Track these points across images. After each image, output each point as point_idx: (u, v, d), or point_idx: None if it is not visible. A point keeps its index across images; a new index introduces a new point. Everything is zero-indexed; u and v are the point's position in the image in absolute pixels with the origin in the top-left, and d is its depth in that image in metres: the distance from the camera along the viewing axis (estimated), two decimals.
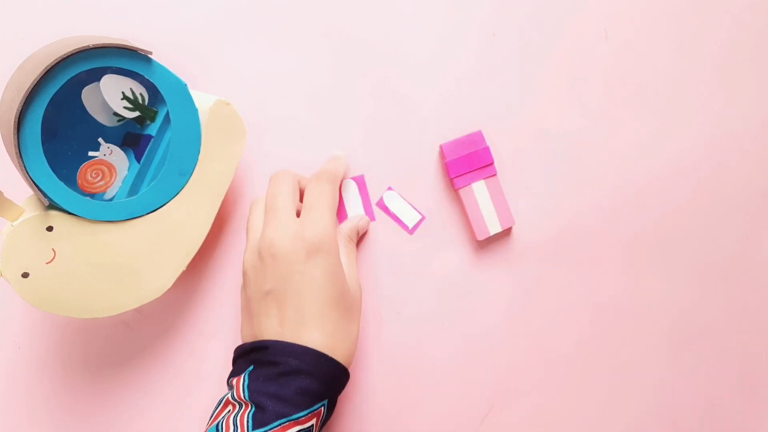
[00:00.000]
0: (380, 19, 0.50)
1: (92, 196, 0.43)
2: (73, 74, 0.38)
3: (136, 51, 0.40)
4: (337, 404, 0.50)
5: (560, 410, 0.52)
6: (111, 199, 0.44)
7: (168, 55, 0.47)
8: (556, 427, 0.52)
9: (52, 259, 0.41)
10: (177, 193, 0.43)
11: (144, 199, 0.42)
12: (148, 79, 0.41)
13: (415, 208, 0.50)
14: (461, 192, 0.49)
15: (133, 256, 0.43)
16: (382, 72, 0.50)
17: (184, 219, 0.43)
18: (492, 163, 0.49)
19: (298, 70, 0.49)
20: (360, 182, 0.49)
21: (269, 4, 0.49)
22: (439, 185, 0.51)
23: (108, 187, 0.44)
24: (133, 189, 0.44)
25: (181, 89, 0.41)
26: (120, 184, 0.44)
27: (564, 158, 0.52)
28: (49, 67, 0.37)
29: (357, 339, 0.42)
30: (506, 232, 0.51)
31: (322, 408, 0.39)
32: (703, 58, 0.53)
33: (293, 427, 0.36)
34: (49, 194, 0.39)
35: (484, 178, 0.49)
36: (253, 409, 0.37)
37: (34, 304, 0.41)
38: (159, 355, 0.49)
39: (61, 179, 0.39)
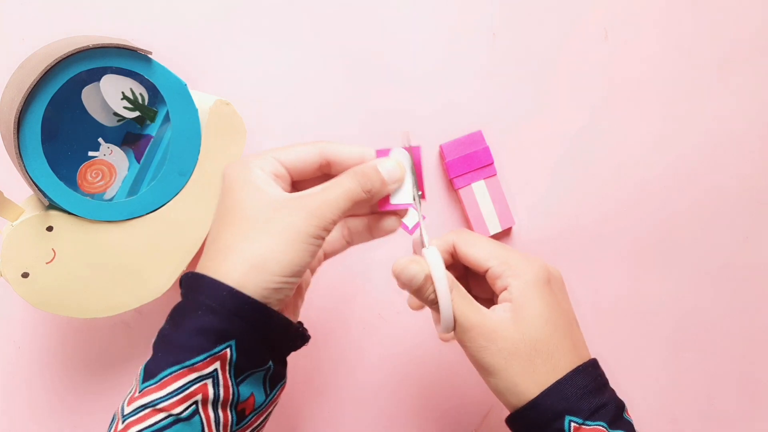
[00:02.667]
0: (381, 20, 0.50)
1: (92, 196, 0.43)
2: (73, 74, 0.38)
3: (136, 51, 0.40)
4: (337, 403, 0.50)
5: None
6: (111, 199, 0.43)
7: (168, 55, 0.47)
8: None
9: (52, 259, 0.41)
10: (177, 193, 0.43)
11: (144, 199, 0.42)
12: (148, 79, 0.41)
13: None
14: (461, 192, 0.49)
15: (133, 256, 0.42)
16: (383, 73, 0.50)
17: (184, 219, 0.43)
18: (492, 163, 0.49)
19: (298, 70, 0.49)
20: (415, 155, 0.37)
21: (269, 4, 0.49)
22: (439, 185, 0.51)
23: (108, 187, 0.44)
24: (133, 189, 0.44)
25: (181, 89, 0.41)
26: (120, 184, 0.44)
27: (564, 158, 0.52)
28: (49, 67, 0.37)
29: (268, 259, 0.33)
30: (506, 232, 0.51)
31: (228, 350, 0.32)
32: (703, 58, 0.53)
33: (188, 374, 0.31)
34: (49, 194, 0.39)
35: (484, 178, 0.49)
36: (150, 357, 0.33)
37: (34, 304, 0.41)
38: None
39: (61, 179, 0.39)
